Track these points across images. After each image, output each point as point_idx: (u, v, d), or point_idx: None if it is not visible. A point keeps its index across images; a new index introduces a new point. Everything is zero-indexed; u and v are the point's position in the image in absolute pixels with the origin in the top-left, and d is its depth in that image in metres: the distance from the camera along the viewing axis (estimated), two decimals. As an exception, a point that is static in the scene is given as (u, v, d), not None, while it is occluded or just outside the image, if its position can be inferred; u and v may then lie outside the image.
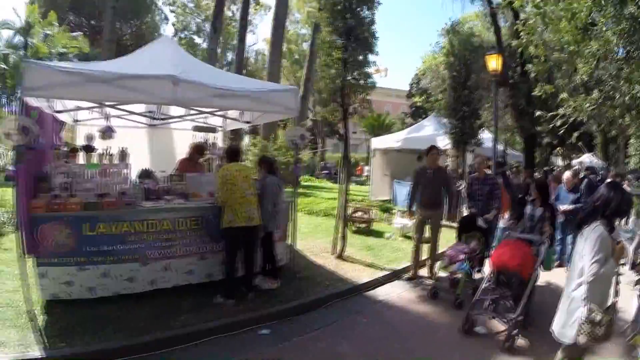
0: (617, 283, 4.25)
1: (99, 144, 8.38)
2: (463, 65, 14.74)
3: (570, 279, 4.29)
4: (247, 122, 10.22)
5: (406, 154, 17.24)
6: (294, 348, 5.61)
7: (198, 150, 9.10)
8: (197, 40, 48.49)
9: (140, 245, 6.49)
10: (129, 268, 6.44)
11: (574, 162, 38.91)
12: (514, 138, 31.60)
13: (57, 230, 6.01)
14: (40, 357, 4.83)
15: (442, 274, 7.66)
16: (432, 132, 17.02)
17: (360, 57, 8.82)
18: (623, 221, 9.96)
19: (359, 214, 12.57)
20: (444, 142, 15.45)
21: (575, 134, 25.89)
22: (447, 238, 9.41)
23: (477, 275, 7.52)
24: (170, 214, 6.74)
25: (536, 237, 6.50)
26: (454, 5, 66.56)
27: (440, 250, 8.66)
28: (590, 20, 9.20)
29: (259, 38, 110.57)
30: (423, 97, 25.54)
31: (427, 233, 8.66)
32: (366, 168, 32.36)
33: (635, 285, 5.88)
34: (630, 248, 9.14)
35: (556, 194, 9.85)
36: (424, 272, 8.84)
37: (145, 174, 8.03)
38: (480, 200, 8.44)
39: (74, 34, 29.18)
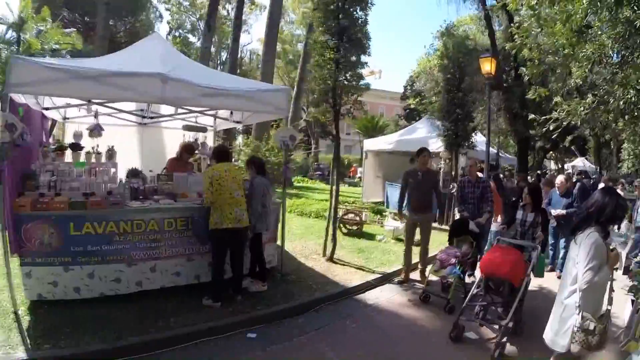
0: (612, 290, 4.16)
1: (88, 142, 8.25)
2: (457, 68, 14.72)
3: (563, 286, 4.22)
4: (238, 122, 10.13)
5: (399, 156, 17.21)
6: (282, 352, 5.51)
7: (187, 149, 8.97)
8: (192, 39, 48.55)
9: (126, 246, 6.37)
10: (114, 269, 6.32)
11: (567, 165, 39.09)
12: (508, 141, 31.68)
13: (42, 230, 5.90)
14: (24, 358, 4.74)
15: (434, 277, 7.58)
16: (425, 134, 16.98)
17: (353, 58, 8.70)
18: (615, 225, 9.93)
19: (351, 216, 12.49)
20: (436, 145, 15.41)
21: (569, 138, 26.02)
22: (440, 241, 9.35)
23: (469, 280, 7.46)
24: (157, 215, 6.62)
25: (528, 242, 6.43)
26: (449, 7, 66.66)
27: (432, 253, 8.59)
28: (585, 23, 9.13)
29: (253, 38, 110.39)
30: (417, 100, 25.52)
31: (418, 236, 8.57)
32: (359, 169, 32.31)
33: (629, 291, 5.81)
34: (623, 253, 9.11)
35: (548, 198, 9.78)
36: (415, 275, 8.75)
37: (134, 173, 7.91)
38: (471, 204, 8.42)
39: (68, 30, 28.91)
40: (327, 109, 8.84)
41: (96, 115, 8.36)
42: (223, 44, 46.83)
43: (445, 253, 7.32)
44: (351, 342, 5.88)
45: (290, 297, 6.95)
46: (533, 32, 11.07)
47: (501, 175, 18.79)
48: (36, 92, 6.35)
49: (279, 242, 8.27)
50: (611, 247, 4.11)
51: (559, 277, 8.80)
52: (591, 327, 3.77)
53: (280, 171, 12.33)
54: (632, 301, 5.76)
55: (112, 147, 8.11)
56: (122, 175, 7.96)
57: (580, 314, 3.84)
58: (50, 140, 9.73)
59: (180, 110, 8.95)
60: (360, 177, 28.66)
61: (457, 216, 9.23)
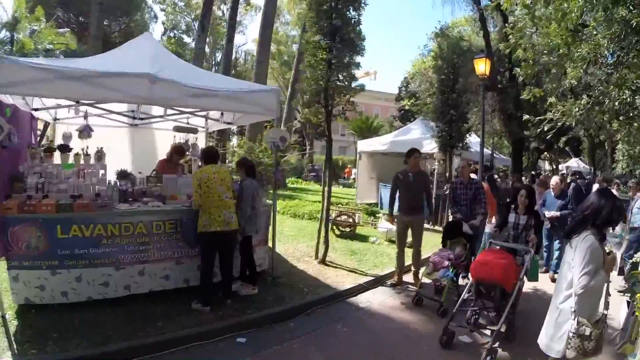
0: (608, 295, 4.07)
1: (78, 144, 8.16)
2: (451, 69, 14.66)
3: (558, 290, 4.12)
4: (229, 123, 10.04)
5: (393, 157, 17.17)
6: (272, 357, 5.45)
7: (177, 151, 8.87)
8: (187, 39, 48.48)
9: (114, 249, 6.28)
10: (102, 272, 6.23)
11: (561, 166, 39.15)
12: (502, 142, 31.68)
13: (29, 233, 5.81)
14: (10, 364, 4.65)
15: (427, 280, 7.51)
16: (419, 135, 16.92)
17: (346, 59, 8.62)
18: (610, 227, 9.87)
19: (343, 217, 12.43)
20: (431, 146, 15.39)
21: (563, 139, 26.03)
22: (434, 243, 9.29)
23: (463, 282, 7.39)
24: (145, 217, 6.52)
25: (521, 246, 6.34)
26: (444, 9, 66.78)
27: (425, 255, 8.52)
28: (581, 22, 9.07)
29: (248, 39, 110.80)
30: (412, 101, 25.51)
31: (411, 237, 8.50)
32: (354, 170, 32.29)
33: (625, 293, 5.74)
34: (618, 253, 9.05)
35: (543, 199, 9.72)
36: (409, 277, 8.68)
37: (123, 175, 7.81)
38: (464, 205, 8.34)
39: (61, 30, 28.83)
40: (319, 109, 8.76)
41: (86, 116, 8.26)
42: (218, 44, 46.79)
43: (439, 255, 7.26)
44: (342, 347, 5.81)
45: (281, 301, 6.87)
46: (527, 32, 11.02)
47: (496, 176, 18.79)
48: (21, 93, 6.22)
49: (270, 245, 8.19)
50: (608, 251, 4.02)
51: (552, 280, 8.77)
52: (587, 332, 3.68)
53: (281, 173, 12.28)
54: (628, 303, 5.69)
55: (101, 148, 8.03)
56: (112, 177, 7.84)
57: (576, 319, 3.75)
58: (45, 141, 9.64)
59: (171, 111, 8.84)
60: (354, 178, 28.62)
61: (451, 218, 9.16)
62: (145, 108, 9.68)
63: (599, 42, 9.01)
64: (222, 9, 44.73)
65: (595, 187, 17.07)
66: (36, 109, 8.06)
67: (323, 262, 9.07)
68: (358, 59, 8.94)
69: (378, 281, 8.47)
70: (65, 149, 7.77)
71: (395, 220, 8.59)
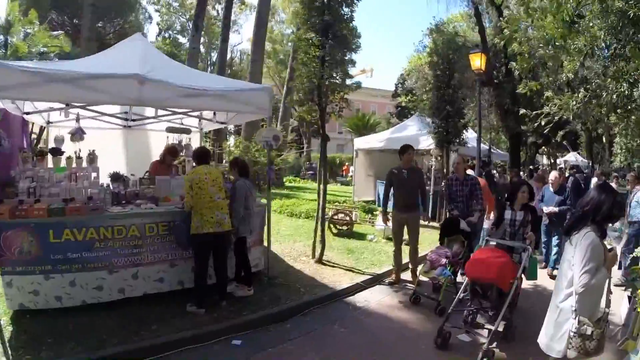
0: (609, 292, 3.98)
1: (71, 147, 8.09)
2: (447, 65, 14.59)
3: (558, 289, 4.03)
4: (222, 123, 9.96)
5: (390, 154, 17.05)
6: (267, 359, 5.39)
7: (170, 152, 8.81)
8: (182, 40, 48.40)
9: (107, 253, 6.23)
10: (96, 276, 6.19)
11: (559, 160, 39.15)
12: (500, 137, 31.68)
13: (22, 238, 5.79)
14: (5, 370, 4.64)
15: (425, 278, 7.44)
16: (415, 131, 16.84)
17: (339, 55, 8.54)
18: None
19: (340, 216, 12.35)
20: (427, 142, 15.33)
21: (561, 133, 26.03)
22: (432, 240, 9.23)
23: (462, 279, 7.31)
24: (138, 220, 6.47)
25: (518, 243, 6.21)
26: (439, 5, 66.73)
27: (423, 252, 8.45)
28: (577, 13, 8.99)
29: (243, 38, 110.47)
30: (408, 98, 25.48)
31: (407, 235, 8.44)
32: (352, 168, 32.27)
33: (626, 288, 5.67)
34: (618, 248, 8.98)
35: (541, 195, 9.65)
36: (407, 275, 8.61)
37: (116, 178, 7.74)
38: (460, 202, 8.25)
39: (55, 32, 28.75)
40: (313, 107, 8.69)
41: (77, 119, 8.19)
42: (213, 44, 46.68)
43: (436, 253, 7.17)
44: (339, 347, 5.74)
45: (277, 302, 6.81)
46: (522, 26, 10.96)
47: (494, 172, 18.75)
48: (10, 97, 6.14)
49: (265, 243, 8.12)
50: (609, 247, 3.94)
51: (550, 276, 8.71)
52: (588, 331, 3.60)
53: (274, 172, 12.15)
54: (629, 298, 5.62)
55: (93, 151, 7.95)
56: (105, 179, 7.77)
57: (577, 318, 3.67)
58: (41, 145, 9.61)
59: (164, 112, 8.77)
60: (352, 176, 28.61)
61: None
62: (138, 109, 9.60)
63: (595, 33, 8.95)
64: (217, 9, 44.61)
65: (594, 180, 17.06)
66: (28, 113, 7.98)
67: (320, 261, 8.99)
68: (352, 56, 8.89)
69: (375, 280, 8.40)
70: (57, 152, 7.71)
71: (391, 218, 8.50)
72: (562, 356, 3.82)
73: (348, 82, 9.03)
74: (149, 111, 9.60)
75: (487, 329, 5.74)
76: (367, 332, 6.24)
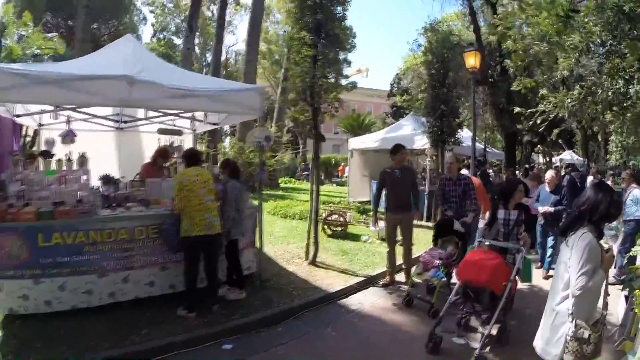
0: (607, 294, 3.89)
1: (62, 149, 8.04)
2: (441, 63, 14.51)
3: (554, 291, 3.90)
4: (215, 124, 9.91)
5: (385, 154, 16.90)
6: (258, 363, 5.33)
7: (162, 154, 8.73)
8: (177, 41, 48.24)
9: (96, 256, 6.16)
10: (86, 280, 6.11)
11: (555, 159, 39.19)
12: (495, 136, 31.70)
13: (11, 242, 5.74)
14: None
15: (418, 280, 7.37)
16: (410, 131, 16.76)
17: (332, 55, 8.47)
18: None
19: (334, 217, 12.26)
20: (422, 142, 15.27)
21: (556, 131, 26.03)
22: (427, 240, 9.18)
23: (456, 280, 7.25)
24: (127, 223, 6.40)
25: (511, 244, 6.10)
26: (434, 4, 66.82)
27: (418, 254, 8.38)
28: (571, 7, 8.93)
29: (239, 39, 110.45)
30: (404, 97, 25.45)
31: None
32: (347, 168, 32.26)
33: (623, 288, 5.61)
34: (615, 246, 8.93)
35: (537, 194, 9.59)
36: (401, 277, 8.53)
37: (106, 180, 7.68)
38: (454, 202, 8.14)
39: (50, 34, 28.68)
40: (305, 107, 8.63)
41: (68, 121, 8.15)
42: (208, 45, 46.66)
43: (429, 254, 7.10)
44: (331, 351, 5.68)
45: (269, 305, 6.74)
46: (517, 23, 10.92)
47: (490, 171, 18.71)
48: (-1, 99, 6.10)
49: (257, 245, 8.04)
50: (606, 248, 3.85)
51: (545, 277, 8.66)
52: (585, 335, 3.50)
53: (269, 174, 12.08)
54: (626, 297, 5.56)
55: (84, 153, 7.90)
56: (95, 182, 7.71)
57: (574, 321, 3.57)
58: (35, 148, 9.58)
59: (155, 114, 8.72)
60: (347, 176, 28.59)
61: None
62: (130, 111, 9.56)
63: (591, 29, 8.89)
64: (212, 10, 44.58)
65: (590, 179, 17.00)
66: (18, 116, 7.93)
67: (313, 263, 8.92)
68: (347, 55, 8.84)
69: (369, 281, 8.33)
70: (47, 155, 7.66)
71: (384, 219, 8.43)
72: None
73: (343, 82, 8.98)
74: (141, 113, 9.55)
75: (480, 332, 5.65)
76: (360, 336, 6.17)
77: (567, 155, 36.64)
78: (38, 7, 29.60)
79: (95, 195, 6.90)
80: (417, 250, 8.58)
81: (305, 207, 14.57)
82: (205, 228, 6.20)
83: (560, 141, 35.84)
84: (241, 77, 28.02)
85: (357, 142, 19.26)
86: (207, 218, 6.24)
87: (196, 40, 43.73)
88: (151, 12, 48.02)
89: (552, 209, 8.94)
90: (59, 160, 7.60)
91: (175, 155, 9.37)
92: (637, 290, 4.75)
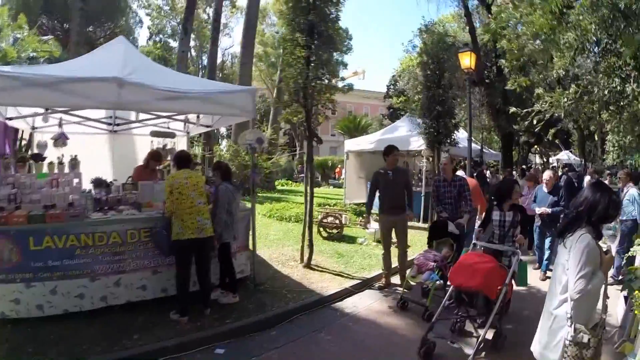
0: (606, 297, 3.79)
1: (55, 152, 7.99)
2: (437, 64, 14.47)
3: (552, 294, 3.79)
4: (208, 126, 9.85)
5: (380, 155, 16.88)
6: (250, 368, 5.28)
7: (154, 157, 8.65)
8: (173, 43, 48.31)
9: (88, 260, 6.11)
10: (77, 284, 6.07)
11: (552, 159, 39.22)
12: (492, 137, 31.70)
13: (2, 245, 5.70)
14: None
15: (413, 282, 7.31)
16: (406, 132, 16.72)
17: (325, 56, 8.42)
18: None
19: (330, 219, 12.20)
20: (418, 143, 15.22)
21: (552, 131, 26.03)
22: (423, 242, 9.11)
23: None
24: (119, 226, 6.35)
25: (506, 247, 6.02)
26: (429, 5, 67.02)
27: (413, 255, 8.32)
28: (566, 4, 8.85)
29: (235, 41, 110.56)
30: (401, 99, 25.43)
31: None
32: (343, 170, 32.23)
33: (622, 288, 5.54)
34: (613, 246, 8.88)
35: (534, 195, 9.53)
36: (397, 279, 8.44)
37: (98, 183, 7.61)
38: (449, 204, 8.04)
39: (45, 37, 28.62)
40: (298, 109, 8.57)
41: (60, 124, 8.09)
42: (204, 48, 46.65)
43: (424, 257, 7.00)
44: (325, 355, 5.63)
45: (262, 308, 6.68)
46: (512, 22, 10.87)
47: (487, 172, 18.67)
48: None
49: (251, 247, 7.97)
50: (604, 249, 3.75)
51: (543, 279, 8.60)
52: (585, 339, 3.40)
53: (262, 176, 12.02)
54: (625, 298, 5.50)
55: (76, 156, 7.87)
56: (86, 185, 7.66)
57: (573, 325, 3.47)
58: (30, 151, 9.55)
59: (148, 116, 8.68)
60: (344, 178, 28.55)
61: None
62: (123, 113, 9.52)
63: (586, 27, 8.82)
64: (208, 12, 44.59)
65: (587, 179, 16.97)
66: (10, 118, 7.87)
67: (308, 266, 8.85)
68: (342, 57, 8.79)
69: (365, 284, 8.27)
70: (39, 158, 7.61)
71: (378, 221, 8.37)
72: None
73: (339, 84, 8.93)
74: (134, 115, 9.50)
75: (475, 337, 5.55)
76: (354, 340, 6.09)
77: (564, 156, 36.68)
78: (33, 10, 29.54)
79: (86, 199, 6.83)
80: (413, 252, 8.51)
81: (301, 210, 14.52)
82: (197, 231, 6.14)
83: (557, 141, 35.88)
84: (237, 79, 28.02)
85: (353, 144, 19.22)
86: (199, 221, 6.18)
87: (192, 43, 43.79)
88: (147, 14, 48.16)
89: (549, 210, 8.87)
90: (51, 164, 7.56)
91: (168, 158, 9.31)
92: (636, 292, 4.69)
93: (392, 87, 41.70)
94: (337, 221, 12.08)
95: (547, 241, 9.04)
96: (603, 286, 3.63)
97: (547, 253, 8.95)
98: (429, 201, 13.67)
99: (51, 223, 6.02)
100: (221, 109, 7.44)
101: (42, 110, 7.40)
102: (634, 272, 5.30)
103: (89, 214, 6.55)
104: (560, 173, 17.60)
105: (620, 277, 8.13)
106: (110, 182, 7.98)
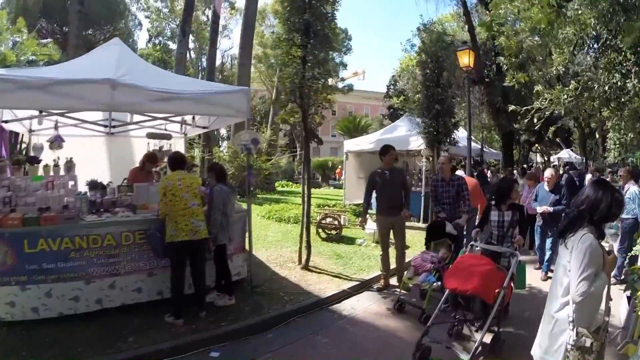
0: (609, 299, 3.65)
1: (51, 155, 7.96)
2: (435, 63, 14.44)
3: (553, 297, 3.64)
4: (204, 127, 9.81)
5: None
6: (245, 372, 5.24)
7: (150, 159, 8.61)
8: (172, 46, 48.31)
9: (83, 262, 6.10)
10: (72, 287, 6.06)
11: (553, 158, 39.15)
12: (492, 136, 31.65)
13: (-4, 248, 5.65)
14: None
15: (410, 284, 7.24)
16: (405, 132, 16.67)
17: (321, 55, 8.37)
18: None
19: (329, 220, 12.13)
20: (418, 142, 15.18)
21: (552, 129, 25.96)
22: (422, 243, 9.04)
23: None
24: (113, 228, 6.32)
25: (504, 248, 5.92)
26: (428, 5, 67.06)
27: (412, 256, 8.25)
28: None
29: (234, 43, 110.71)
30: (401, 99, 25.40)
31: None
32: (343, 171, 32.17)
33: (625, 289, 5.45)
34: (615, 246, 8.80)
35: (535, 194, 9.46)
36: (395, 280, 8.35)
37: (93, 185, 7.57)
38: (447, 204, 7.97)
39: (44, 40, 28.64)
40: (295, 109, 8.52)
41: (56, 127, 8.06)
42: (203, 50, 46.64)
43: (421, 258, 6.92)
44: (322, 358, 5.57)
45: (259, 311, 6.63)
46: (510, 18, 10.78)
47: (488, 171, 18.61)
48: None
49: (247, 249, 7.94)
50: (607, 249, 3.64)
51: (544, 280, 8.53)
52: (587, 343, 3.25)
53: (261, 177, 11.98)
54: (628, 298, 5.42)
55: (71, 159, 7.84)
56: (82, 188, 7.62)
57: (575, 329, 3.32)
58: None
59: (143, 118, 8.64)
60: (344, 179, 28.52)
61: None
62: (119, 115, 9.48)
63: (585, 21, 8.74)
64: (207, 14, 44.59)
65: (588, 177, 16.90)
66: (6, 121, 7.85)
67: (306, 267, 8.79)
68: (342, 57, 8.75)
69: (364, 286, 8.20)
70: (34, 160, 7.58)
71: (376, 221, 8.31)
72: None
73: (340, 85, 8.90)
74: (130, 117, 9.46)
75: (473, 341, 5.46)
76: (351, 343, 6.02)
77: (565, 154, 36.61)
78: (32, 13, 29.59)
79: (81, 201, 6.80)
80: (412, 253, 8.44)
81: (300, 211, 14.48)
82: (190, 233, 6.09)
83: (557, 140, 35.83)
84: (236, 80, 28.04)
85: (352, 145, 19.14)
86: (193, 223, 6.13)
87: (191, 45, 43.78)
88: (146, 17, 48.21)
89: (550, 209, 8.79)
90: (46, 166, 7.54)
91: (164, 160, 9.27)
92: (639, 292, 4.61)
93: (392, 87, 41.63)
94: (336, 222, 12.03)
95: (549, 241, 8.95)
96: (606, 288, 3.54)
97: (548, 254, 8.87)
98: (429, 201, 13.66)
99: (45, 226, 6.00)
100: (215, 110, 7.41)
101: (37, 113, 7.38)
102: (638, 272, 5.20)
103: (84, 216, 6.53)
104: (561, 172, 17.55)
105: (622, 277, 8.07)
106: (107, 184, 7.93)
